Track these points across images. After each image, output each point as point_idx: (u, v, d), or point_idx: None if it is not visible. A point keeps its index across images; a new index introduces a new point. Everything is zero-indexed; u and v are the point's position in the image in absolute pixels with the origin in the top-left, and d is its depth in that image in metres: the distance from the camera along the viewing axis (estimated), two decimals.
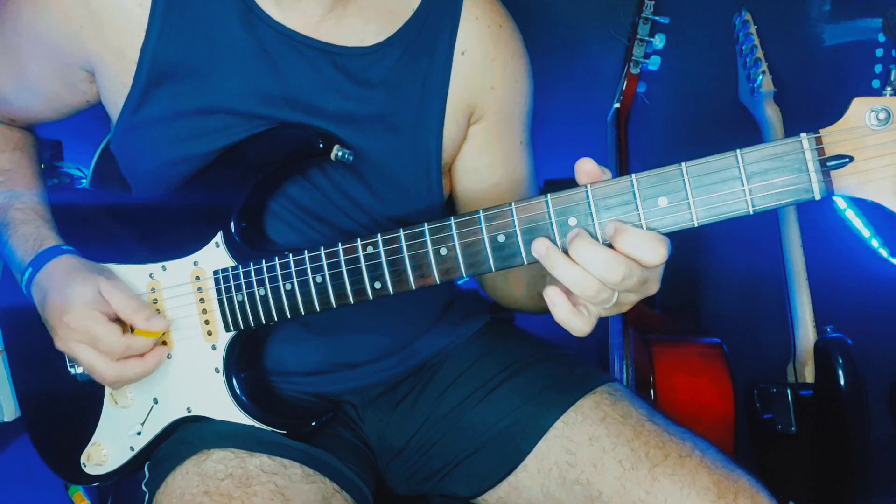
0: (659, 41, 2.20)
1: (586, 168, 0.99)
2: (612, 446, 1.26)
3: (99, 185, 1.65)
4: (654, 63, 2.24)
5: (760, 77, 2.22)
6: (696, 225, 0.97)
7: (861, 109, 0.91)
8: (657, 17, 2.19)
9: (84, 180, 1.79)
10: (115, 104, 1.31)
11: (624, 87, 2.27)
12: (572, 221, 1.01)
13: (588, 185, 1.00)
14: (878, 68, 2.51)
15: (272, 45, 1.26)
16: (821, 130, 0.92)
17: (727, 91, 2.40)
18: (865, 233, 2.52)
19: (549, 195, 1.02)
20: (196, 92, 1.27)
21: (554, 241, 1.01)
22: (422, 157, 1.35)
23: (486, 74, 1.36)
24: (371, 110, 1.30)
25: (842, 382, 1.98)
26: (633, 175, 0.98)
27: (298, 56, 1.27)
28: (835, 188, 0.93)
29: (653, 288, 1.03)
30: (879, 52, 2.49)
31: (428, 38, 1.33)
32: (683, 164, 0.96)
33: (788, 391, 2.11)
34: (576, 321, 1.00)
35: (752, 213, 0.95)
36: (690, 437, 1.27)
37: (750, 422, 2.22)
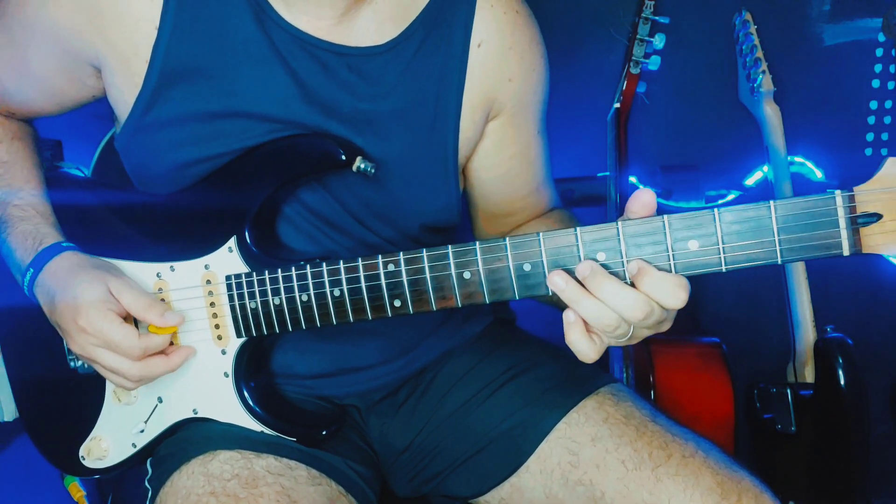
0: (659, 41, 2.20)
1: (645, 200, 0.99)
2: (614, 447, 1.26)
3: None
4: (654, 63, 2.24)
5: (760, 77, 2.22)
6: (724, 270, 0.98)
7: (894, 169, 0.92)
8: (657, 17, 2.19)
9: None
10: (123, 103, 1.27)
11: (624, 87, 2.27)
12: (601, 256, 1.01)
13: (619, 222, 1.00)
14: (878, 68, 2.52)
15: (285, 47, 1.24)
16: (854, 188, 0.93)
17: (727, 91, 2.40)
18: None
19: (578, 228, 1.02)
20: (210, 93, 1.24)
21: (571, 271, 1.01)
22: (439, 154, 1.32)
23: (503, 66, 1.33)
24: (387, 109, 1.27)
25: (842, 382, 1.98)
26: (666, 216, 0.98)
27: (312, 59, 1.24)
28: (863, 246, 0.94)
29: (665, 326, 1.05)
30: (879, 52, 2.50)
31: (443, 30, 1.29)
32: (716, 209, 0.97)
33: (788, 391, 2.11)
34: (585, 346, 1.02)
35: (780, 263, 0.96)
36: (693, 438, 1.27)
37: (750, 422, 2.22)
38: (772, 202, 0.95)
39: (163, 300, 1.29)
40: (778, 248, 0.95)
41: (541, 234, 1.03)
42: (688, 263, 0.98)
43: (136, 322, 1.25)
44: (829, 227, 0.93)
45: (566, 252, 1.02)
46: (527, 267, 1.05)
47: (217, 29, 1.23)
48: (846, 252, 0.94)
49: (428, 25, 1.28)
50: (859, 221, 0.93)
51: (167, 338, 1.24)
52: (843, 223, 0.93)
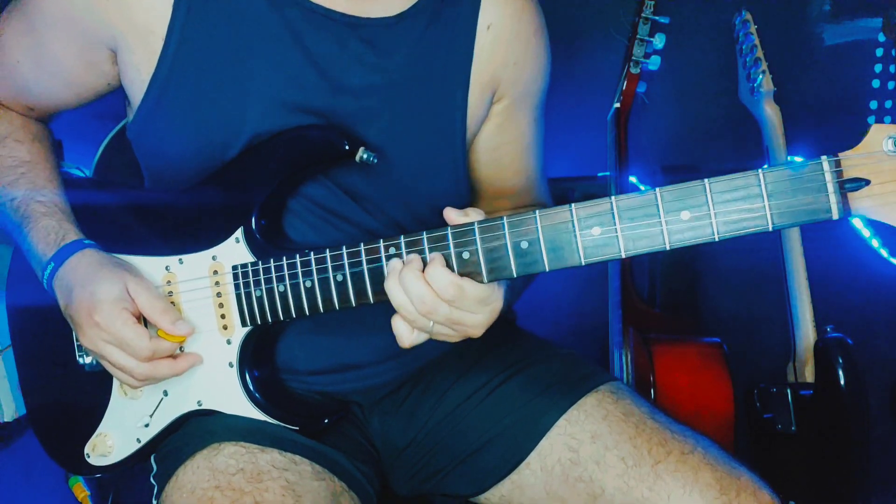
0: (659, 41, 2.21)
1: (449, 216, 1.11)
2: (614, 444, 1.27)
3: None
4: (654, 63, 2.24)
5: (760, 77, 2.22)
6: (717, 239, 1.00)
7: (879, 136, 0.95)
8: (657, 17, 2.20)
9: None
10: (140, 82, 1.29)
11: (624, 87, 2.28)
12: (596, 231, 1.04)
13: (613, 197, 1.02)
14: (878, 68, 2.52)
15: (298, 23, 1.27)
16: (840, 154, 0.96)
17: (727, 91, 2.40)
18: (866, 233, 2.53)
19: (573, 204, 1.04)
20: (223, 73, 1.27)
21: (576, 250, 1.04)
22: (447, 129, 1.36)
23: (509, 50, 1.38)
24: (396, 80, 1.31)
25: (842, 382, 1.97)
26: (658, 189, 1.01)
27: (325, 31, 1.27)
28: (852, 209, 0.96)
29: (475, 332, 1.16)
30: (879, 52, 2.50)
31: (451, 8, 1.34)
32: (707, 179, 0.99)
33: (788, 391, 2.10)
34: (402, 328, 1.14)
35: (771, 230, 0.98)
36: (693, 435, 1.28)
37: (750, 422, 2.22)
38: (760, 170, 0.97)
39: (170, 293, 1.31)
40: (768, 214, 0.97)
41: (537, 211, 1.06)
42: (681, 235, 1.01)
43: (145, 323, 1.27)
44: (817, 193, 0.96)
45: (562, 228, 1.05)
46: (524, 244, 1.07)
47: (231, 8, 1.26)
48: (836, 216, 0.96)
49: (437, 2, 1.32)
50: (847, 186, 0.95)
51: (176, 345, 1.27)
52: (831, 188, 0.96)
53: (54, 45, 1.34)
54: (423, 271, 1.10)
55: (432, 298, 1.08)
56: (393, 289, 1.10)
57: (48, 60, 1.36)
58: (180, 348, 1.30)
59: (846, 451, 1.99)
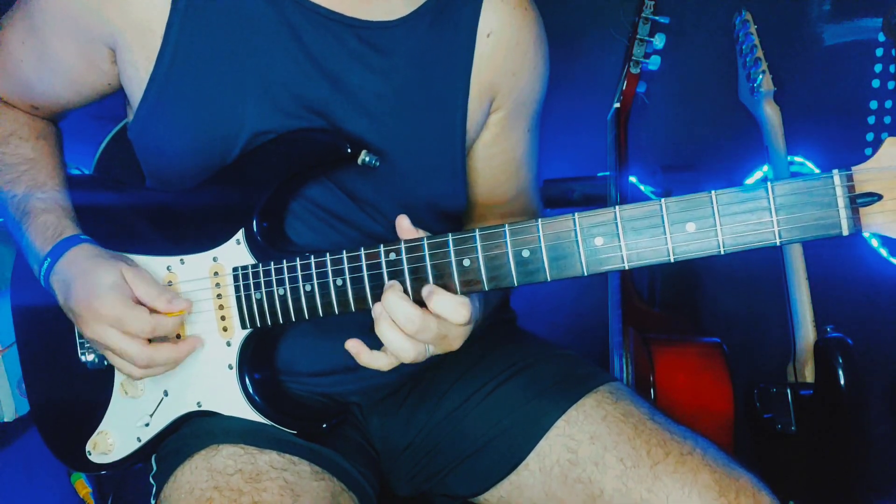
0: (659, 41, 2.20)
1: (403, 224, 1.12)
2: (613, 445, 1.27)
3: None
4: (654, 63, 2.24)
5: (760, 77, 2.22)
6: (722, 252, 0.98)
7: (893, 149, 0.92)
8: (657, 17, 2.19)
9: None
10: (139, 81, 1.29)
11: (624, 87, 2.27)
12: (598, 241, 1.02)
13: (617, 207, 1.01)
14: (878, 68, 2.51)
15: (297, 21, 1.26)
16: (853, 168, 0.93)
17: (727, 91, 2.40)
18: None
19: (576, 214, 1.03)
20: (222, 71, 1.26)
21: (579, 261, 1.04)
22: (448, 133, 1.36)
23: (508, 59, 1.37)
24: (396, 83, 1.31)
25: (842, 382, 1.97)
26: (663, 199, 0.99)
27: (323, 30, 1.27)
28: (862, 225, 0.93)
29: (455, 345, 1.18)
30: (879, 52, 2.50)
31: (451, 14, 1.34)
32: (713, 191, 0.97)
33: (788, 391, 2.10)
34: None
35: (778, 244, 0.96)
36: (692, 436, 1.28)
37: (750, 422, 2.22)
38: (769, 183, 0.95)
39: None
40: (776, 229, 0.95)
41: (539, 220, 1.05)
42: (686, 247, 0.99)
43: None
44: (827, 207, 0.93)
45: (564, 237, 1.04)
46: (525, 253, 1.06)
47: (229, 5, 1.26)
48: (846, 232, 0.93)
49: (437, 8, 1.32)
50: (859, 201, 0.92)
51: (177, 322, 1.26)
52: (841, 203, 0.93)
53: (55, 44, 1.34)
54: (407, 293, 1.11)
55: (420, 317, 1.09)
56: (387, 332, 1.12)
57: (50, 59, 1.36)
58: (178, 335, 1.30)
59: (846, 451, 1.99)
